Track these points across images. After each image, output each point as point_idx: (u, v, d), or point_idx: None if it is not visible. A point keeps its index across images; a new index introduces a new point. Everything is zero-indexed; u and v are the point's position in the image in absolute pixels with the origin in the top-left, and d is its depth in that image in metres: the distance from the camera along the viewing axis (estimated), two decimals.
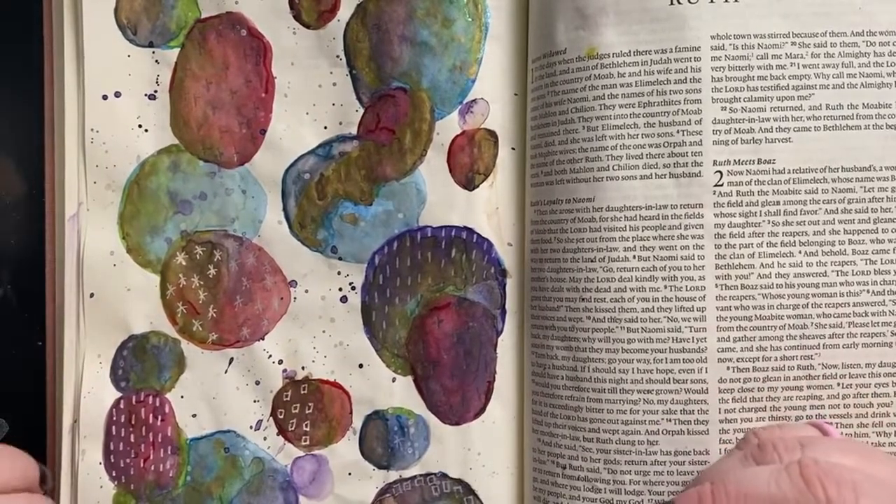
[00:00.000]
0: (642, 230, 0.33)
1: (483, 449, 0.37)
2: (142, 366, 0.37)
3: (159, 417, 0.37)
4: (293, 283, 0.37)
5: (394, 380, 0.37)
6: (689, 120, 0.32)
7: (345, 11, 0.37)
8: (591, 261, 0.33)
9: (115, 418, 0.37)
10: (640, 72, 0.33)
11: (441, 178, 0.37)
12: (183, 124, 0.37)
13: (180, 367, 0.37)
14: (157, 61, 0.37)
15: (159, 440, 0.37)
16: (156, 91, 0.37)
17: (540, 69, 0.35)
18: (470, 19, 0.36)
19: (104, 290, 0.37)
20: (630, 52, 0.33)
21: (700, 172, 0.33)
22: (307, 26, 0.37)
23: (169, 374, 0.37)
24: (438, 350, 0.37)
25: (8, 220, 0.39)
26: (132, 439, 0.37)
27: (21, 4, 0.39)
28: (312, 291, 0.37)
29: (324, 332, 0.37)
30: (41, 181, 0.38)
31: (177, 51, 0.37)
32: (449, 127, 0.37)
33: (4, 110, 0.39)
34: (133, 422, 0.37)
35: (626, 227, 0.33)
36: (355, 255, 0.37)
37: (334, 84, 0.37)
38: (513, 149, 0.37)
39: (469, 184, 0.37)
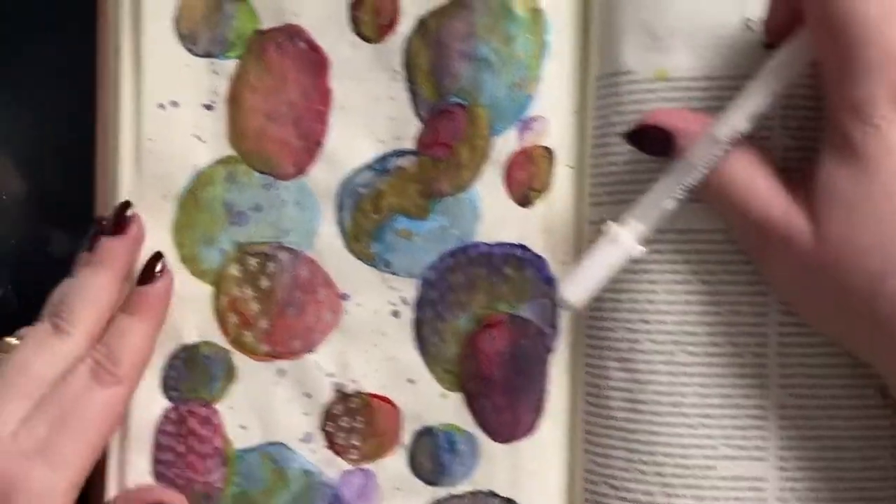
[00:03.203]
0: (707, 254, 0.33)
1: (533, 468, 0.36)
2: (192, 376, 0.37)
3: (208, 428, 0.37)
4: (345, 297, 0.37)
5: (444, 396, 0.37)
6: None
7: (405, 26, 0.37)
8: (653, 283, 0.33)
9: (163, 428, 0.37)
10: (710, 97, 0.32)
11: (497, 194, 0.37)
12: (240, 135, 0.37)
13: (231, 378, 0.37)
14: (215, 72, 0.37)
15: (208, 451, 0.37)
16: (213, 101, 0.37)
17: (604, 88, 0.35)
18: (530, 36, 0.36)
19: None
20: (701, 76, 0.33)
21: None
22: (367, 40, 0.37)
23: (219, 385, 0.37)
24: (490, 367, 0.37)
25: (9, 220, 0.39)
26: (181, 449, 0.37)
27: (76, 15, 0.39)
28: (364, 305, 0.37)
29: (375, 345, 0.37)
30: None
31: (235, 62, 0.37)
32: (506, 143, 0.36)
33: (56, 115, 0.39)
34: (182, 432, 0.37)
35: (691, 249, 0.33)
36: (408, 270, 0.37)
37: (392, 98, 0.37)
38: (569, 166, 0.37)
39: (525, 200, 0.37)
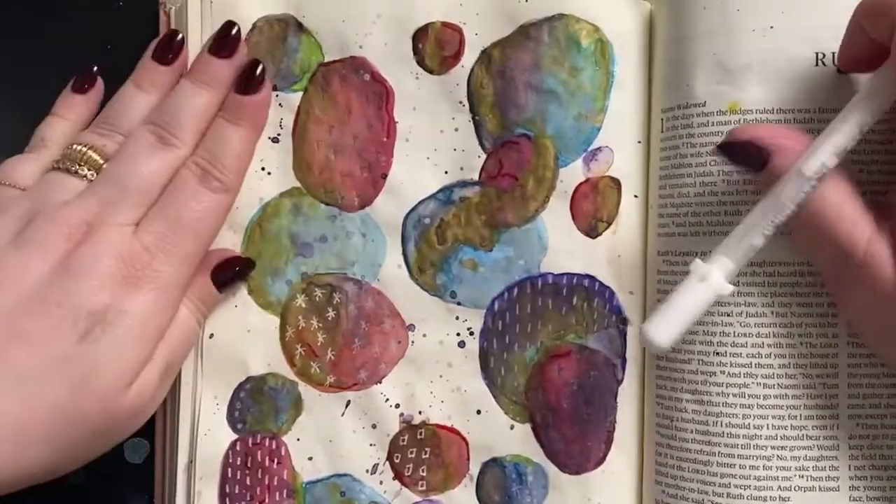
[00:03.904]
0: (780, 286, 0.33)
1: (603, 499, 0.36)
2: (259, 407, 0.37)
3: (275, 460, 0.37)
4: (411, 327, 0.37)
5: (512, 427, 0.37)
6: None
7: (469, 58, 0.37)
8: (728, 315, 0.33)
9: (231, 460, 0.37)
10: None
11: (563, 225, 0.37)
12: (305, 168, 0.38)
13: (297, 410, 0.37)
14: (280, 105, 0.37)
15: (275, 483, 0.37)
16: (279, 134, 0.37)
17: (673, 119, 0.35)
18: (597, 68, 0.36)
19: (224, 331, 0.37)
20: (774, 109, 0.33)
21: None
22: (430, 72, 0.37)
23: (286, 417, 0.37)
24: (558, 398, 0.37)
25: None
26: (248, 482, 0.37)
27: (78, 15, 0.39)
28: (430, 336, 0.37)
29: (441, 376, 0.37)
30: None
31: (300, 94, 0.37)
32: (573, 174, 0.37)
33: None
34: (249, 464, 0.37)
35: (765, 282, 0.33)
36: (474, 301, 0.37)
37: (456, 130, 0.37)
38: (635, 196, 0.37)
39: (592, 231, 0.37)
